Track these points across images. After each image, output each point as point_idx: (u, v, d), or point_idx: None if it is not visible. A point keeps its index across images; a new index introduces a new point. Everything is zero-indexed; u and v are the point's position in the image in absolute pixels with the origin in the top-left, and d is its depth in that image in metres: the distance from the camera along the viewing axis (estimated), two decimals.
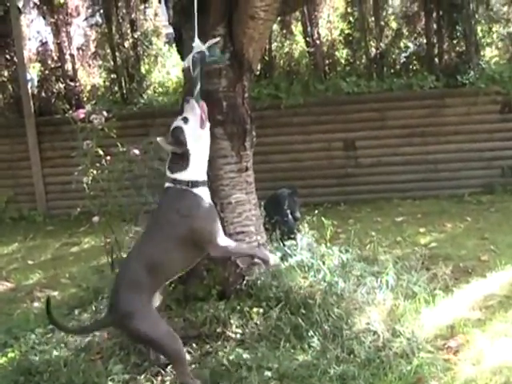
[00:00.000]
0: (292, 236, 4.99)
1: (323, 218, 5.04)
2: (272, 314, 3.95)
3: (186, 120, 3.42)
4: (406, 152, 9.03)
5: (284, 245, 4.74)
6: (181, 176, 3.38)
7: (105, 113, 5.06)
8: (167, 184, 3.44)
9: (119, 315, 3.26)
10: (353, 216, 7.95)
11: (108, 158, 5.00)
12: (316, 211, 5.64)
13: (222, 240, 3.47)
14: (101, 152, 4.95)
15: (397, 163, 9.04)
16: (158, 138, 3.39)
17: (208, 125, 3.52)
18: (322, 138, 9.09)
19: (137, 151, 4.92)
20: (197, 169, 3.41)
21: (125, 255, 5.05)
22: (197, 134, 3.42)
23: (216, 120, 4.17)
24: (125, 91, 9.84)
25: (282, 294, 4.10)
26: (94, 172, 4.96)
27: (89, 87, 10.20)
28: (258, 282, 4.21)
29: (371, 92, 9.02)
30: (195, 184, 3.39)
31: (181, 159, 3.38)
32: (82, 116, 5.01)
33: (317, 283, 4.23)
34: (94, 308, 4.58)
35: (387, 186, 8.97)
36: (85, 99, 10.04)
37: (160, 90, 10.08)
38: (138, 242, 3.49)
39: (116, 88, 9.99)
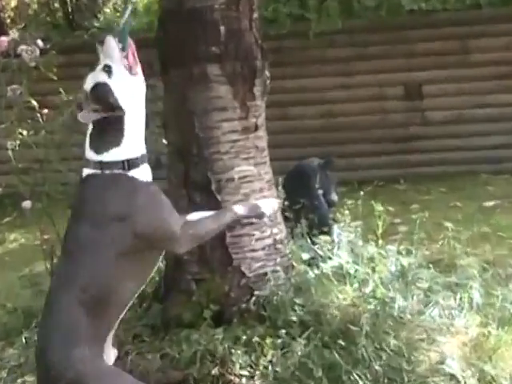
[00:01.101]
0: (325, 229, 5.00)
1: (373, 202, 5.04)
2: (295, 347, 3.95)
3: (108, 69, 3.34)
4: (498, 102, 9.05)
5: (313, 242, 4.75)
6: (111, 156, 3.25)
7: (40, 42, 5.06)
8: (88, 171, 3.28)
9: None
10: (418, 199, 8.02)
11: (45, 111, 5.01)
12: (362, 192, 5.64)
13: (181, 227, 3.40)
14: (34, 102, 4.96)
15: (483, 119, 9.07)
16: (79, 114, 3.27)
17: (139, 68, 3.42)
18: (370, 82, 9.11)
19: None
20: (134, 140, 3.32)
21: None
22: (128, 87, 3.33)
23: (210, 53, 4.16)
24: (70, 10, 9.84)
25: (310, 316, 4.11)
26: (24, 133, 4.96)
27: (14, 3, 10.21)
28: (274, 298, 4.21)
29: (447, 9, 8.97)
30: (134, 164, 3.28)
31: (110, 130, 3.27)
32: (4, 47, 5.02)
33: (363, 301, 4.24)
34: (23, 340, 4.59)
35: (469, 154, 8.99)
36: (8, 22, 10.05)
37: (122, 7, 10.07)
38: (62, 269, 3.35)
39: (56, 5, 9.99)
